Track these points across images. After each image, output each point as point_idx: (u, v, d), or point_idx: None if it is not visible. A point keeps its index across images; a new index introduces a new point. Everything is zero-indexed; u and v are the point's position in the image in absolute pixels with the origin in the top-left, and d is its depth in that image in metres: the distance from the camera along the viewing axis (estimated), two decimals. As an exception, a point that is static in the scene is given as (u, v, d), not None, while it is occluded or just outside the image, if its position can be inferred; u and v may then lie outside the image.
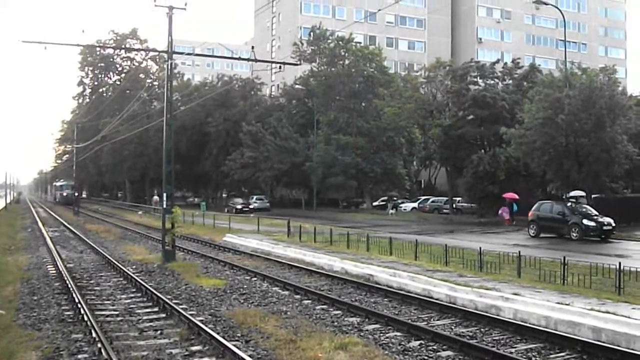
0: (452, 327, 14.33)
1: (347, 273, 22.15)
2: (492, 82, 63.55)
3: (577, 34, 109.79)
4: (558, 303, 14.56)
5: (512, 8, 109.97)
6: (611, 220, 35.41)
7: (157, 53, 78.18)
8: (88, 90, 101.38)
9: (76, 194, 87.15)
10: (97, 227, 47.48)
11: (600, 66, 51.82)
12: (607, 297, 15.42)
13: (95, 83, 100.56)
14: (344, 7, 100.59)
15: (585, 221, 35.14)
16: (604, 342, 12.29)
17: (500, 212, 50.96)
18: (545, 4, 53.25)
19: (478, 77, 63.88)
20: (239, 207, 72.27)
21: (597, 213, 36.39)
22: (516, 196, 50.72)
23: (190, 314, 14.83)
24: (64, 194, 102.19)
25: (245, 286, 19.97)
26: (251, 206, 72.82)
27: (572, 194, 48.02)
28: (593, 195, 45.67)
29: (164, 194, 28.07)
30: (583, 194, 45.61)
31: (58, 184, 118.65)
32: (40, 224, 51.10)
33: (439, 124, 61.08)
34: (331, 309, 16.28)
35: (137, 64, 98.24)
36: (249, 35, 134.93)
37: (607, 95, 40.71)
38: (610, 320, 12.98)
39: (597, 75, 43.85)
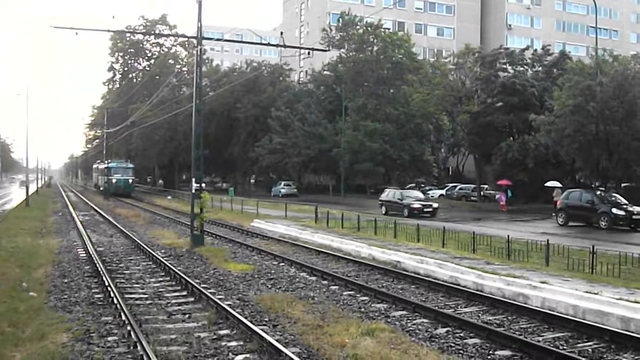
0: (480, 314, 14.31)
1: (375, 259, 22.17)
2: (521, 69, 63.10)
3: (609, 21, 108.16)
4: (586, 292, 14.47)
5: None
6: None
7: (186, 39, 78.74)
8: (118, 76, 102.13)
9: (131, 181, 78.94)
10: (127, 212, 47.93)
11: (632, 53, 51.14)
12: (636, 287, 15.31)
13: (125, 68, 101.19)
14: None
15: (614, 210, 34.75)
16: (632, 332, 12.19)
17: (497, 198, 53.87)
18: (577, -11, 52.67)
19: (507, 64, 63.47)
20: (416, 206, 44.16)
21: (626, 202, 36.00)
22: (510, 183, 54.15)
23: (219, 298, 14.95)
24: (114, 181, 74.81)
25: (273, 271, 20.08)
26: (435, 205, 46.21)
27: (549, 184, 48.51)
28: (623, 184, 45.26)
29: (193, 179, 28.29)
30: (559, 185, 46.23)
31: (103, 165, 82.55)
32: (70, 207, 51.71)
33: (468, 111, 60.75)
34: (358, 295, 16.32)
35: (166, 49, 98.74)
36: (277, 21, 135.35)
37: (640, 83, 40.24)
38: (639, 310, 12.89)
39: (629, 62, 43.32)
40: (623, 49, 77.37)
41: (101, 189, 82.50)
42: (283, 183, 77.24)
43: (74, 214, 43.98)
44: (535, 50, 67.77)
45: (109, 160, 78.34)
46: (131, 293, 16.29)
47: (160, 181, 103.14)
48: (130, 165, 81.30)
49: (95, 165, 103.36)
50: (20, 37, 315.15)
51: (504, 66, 63.27)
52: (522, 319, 13.77)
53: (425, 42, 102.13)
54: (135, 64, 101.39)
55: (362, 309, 14.64)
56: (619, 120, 40.23)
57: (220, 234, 31.58)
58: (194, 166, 28.37)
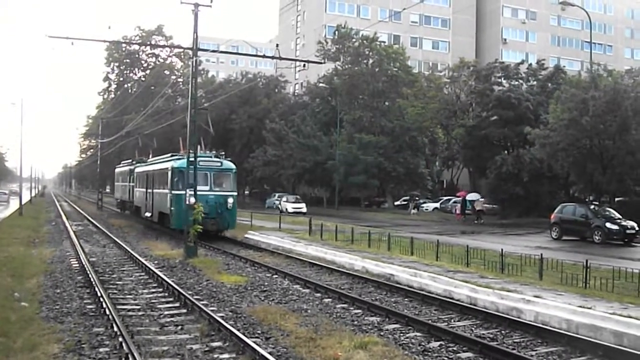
0: (473, 328, 14.28)
1: (368, 272, 22.12)
2: (516, 83, 63.36)
3: (603, 36, 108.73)
4: (580, 306, 14.43)
5: (538, 9, 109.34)
6: (635, 224, 34.98)
7: (182, 50, 78.86)
8: (113, 86, 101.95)
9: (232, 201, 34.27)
10: (120, 222, 47.73)
11: (626, 68, 51.31)
12: (630, 301, 15.28)
13: (121, 79, 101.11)
14: (369, 6, 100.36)
15: (608, 224, 34.74)
16: (626, 347, 12.17)
17: (454, 208, 60.52)
18: (571, 5, 53.00)
19: (502, 78, 63.76)
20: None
21: (620, 216, 35.98)
22: (466, 194, 59.87)
23: (211, 310, 14.87)
24: (192, 201, 27.56)
25: (266, 283, 20.00)
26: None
27: (469, 197, 49.89)
28: (617, 199, 45.28)
29: (186, 190, 28.20)
30: (479, 197, 47.73)
31: (156, 166, 39.95)
32: (64, 217, 51.55)
33: (463, 124, 61.00)
34: (351, 308, 16.26)
35: (162, 60, 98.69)
36: (273, 33, 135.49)
37: (633, 97, 40.34)
38: (632, 324, 12.84)
39: (622, 77, 43.45)
40: (617, 64, 77.93)
41: (147, 214, 41.24)
42: (277, 195, 76.84)
43: (67, 224, 43.82)
44: (530, 64, 68.12)
45: (174, 155, 38.22)
46: (123, 304, 16.19)
47: None
48: (229, 165, 36.19)
49: (125, 168, 56.40)
50: (16, 47, 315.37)
51: (499, 80, 63.55)
52: (516, 333, 13.74)
53: (421, 56, 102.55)
54: (131, 74, 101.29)
55: (355, 322, 14.59)
56: (612, 134, 40.31)
57: (213, 246, 31.42)
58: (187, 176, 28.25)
